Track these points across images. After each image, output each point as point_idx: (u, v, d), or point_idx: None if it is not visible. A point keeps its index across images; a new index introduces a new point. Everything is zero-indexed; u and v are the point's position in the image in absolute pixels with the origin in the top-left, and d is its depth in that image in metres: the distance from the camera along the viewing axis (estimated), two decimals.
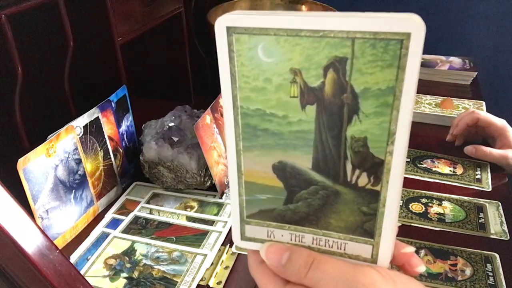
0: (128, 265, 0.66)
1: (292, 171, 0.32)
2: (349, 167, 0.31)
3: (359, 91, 0.28)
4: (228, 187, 0.81)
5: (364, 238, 0.32)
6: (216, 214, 0.77)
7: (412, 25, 0.26)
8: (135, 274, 0.65)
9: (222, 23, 0.29)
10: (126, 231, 0.73)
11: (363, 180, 0.31)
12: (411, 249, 0.35)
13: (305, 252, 0.33)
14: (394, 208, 0.31)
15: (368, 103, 0.28)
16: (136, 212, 0.77)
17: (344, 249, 0.33)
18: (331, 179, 0.32)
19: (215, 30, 0.29)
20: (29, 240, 0.43)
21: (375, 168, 0.30)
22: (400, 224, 0.74)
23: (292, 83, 0.29)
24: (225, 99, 0.31)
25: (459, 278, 0.63)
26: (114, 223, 0.75)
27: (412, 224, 0.74)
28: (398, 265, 0.35)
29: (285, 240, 0.34)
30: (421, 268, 0.35)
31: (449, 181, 0.84)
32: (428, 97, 1.12)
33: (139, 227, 0.74)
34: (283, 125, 0.31)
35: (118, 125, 0.82)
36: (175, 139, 0.80)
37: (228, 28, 0.29)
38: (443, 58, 1.30)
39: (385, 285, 0.30)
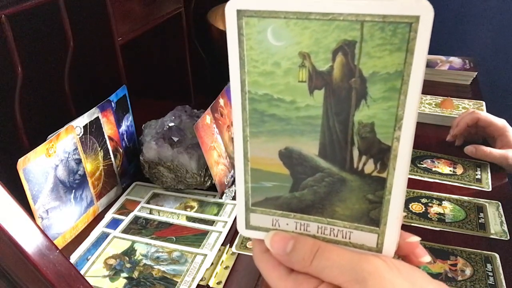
0: (128, 265, 0.66)
1: (298, 157, 0.32)
2: (355, 153, 0.31)
3: (368, 75, 0.28)
4: (228, 187, 0.81)
5: (370, 227, 0.32)
6: (216, 214, 0.77)
7: (421, 8, 0.26)
8: (135, 274, 0.65)
9: (232, 6, 0.29)
10: (126, 231, 0.73)
11: (370, 167, 0.31)
12: (416, 238, 0.34)
13: (310, 240, 0.32)
14: (400, 196, 0.31)
15: (376, 88, 0.28)
16: (136, 212, 0.77)
17: (349, 238, 0.33)
18: (337, 165, 0.31)
19: (225, 14, 0.29)
20: (29, 240, 0.43)
21: (382, 154, 0.30)
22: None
23: (301, 67, 0.29)
24: (233, 84, 0.31)
25: (459, 278, 0.63)
26: (114, 223, 0.75)
27: (412, 224, 0.74)
28: (402, 255, 0.35)
29: (290, 229, 0.34)
30: (426, 258, 0.35)
31: (449, 181, 0.84)
32: (428, 97, 1.12)
33: (139, 227, 0.74)
34: (290, 110, 0.30)
35: (118, 125, 0.82)
36: (175, 139, 0.80)
37: (238, 11, 0.29)
38: (443, 58, 1.30)
39: (390, 274, 0.30)
